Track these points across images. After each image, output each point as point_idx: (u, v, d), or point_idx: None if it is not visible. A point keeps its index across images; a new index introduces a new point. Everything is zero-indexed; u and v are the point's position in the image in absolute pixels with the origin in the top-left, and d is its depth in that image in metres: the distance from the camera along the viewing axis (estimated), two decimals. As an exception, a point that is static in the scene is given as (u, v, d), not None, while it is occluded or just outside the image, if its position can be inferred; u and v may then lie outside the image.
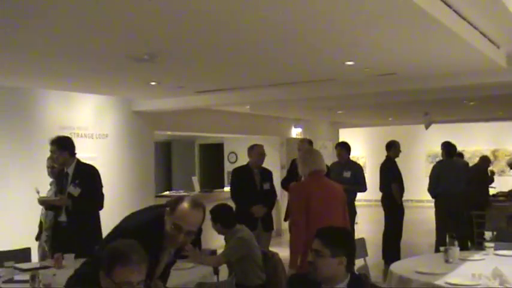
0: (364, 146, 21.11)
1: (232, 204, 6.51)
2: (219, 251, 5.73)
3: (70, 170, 6.15)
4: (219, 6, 4.25)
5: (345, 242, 3.31)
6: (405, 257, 7.92)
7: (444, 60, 6.64)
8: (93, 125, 9.38)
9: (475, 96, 10.85)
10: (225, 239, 5.59)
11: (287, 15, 4.53)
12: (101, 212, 6.30)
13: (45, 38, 5.28)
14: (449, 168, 9.54)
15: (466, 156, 16.83)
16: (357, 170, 8.72)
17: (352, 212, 8.27)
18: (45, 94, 8.56)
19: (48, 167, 6.66)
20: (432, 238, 9.87)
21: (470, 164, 11.72)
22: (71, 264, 5.21)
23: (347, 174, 8.30)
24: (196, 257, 5.11)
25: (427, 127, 14.67)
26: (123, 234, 3.17)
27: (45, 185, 6.67)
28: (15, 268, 5.09)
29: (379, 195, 9.85)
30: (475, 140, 19.54)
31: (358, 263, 5.96)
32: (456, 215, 9.34)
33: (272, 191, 7.81)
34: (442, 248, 5.52)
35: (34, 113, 8.42)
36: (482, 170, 11.61)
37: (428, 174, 9.85)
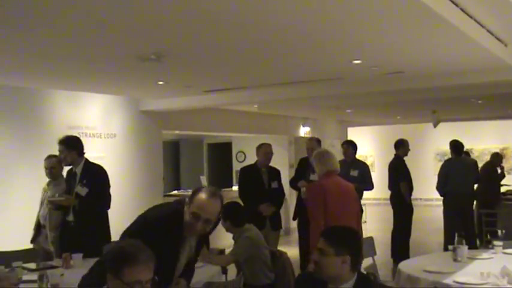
0: (372, 145, 21.07)
1: (240, 202, 6.52)
2: (227, 251, 5.73)
3: (78, 170, 6.17)
4: (226, 6, 4.26)
5: (349, 241, 3.31)
6: (414, 255, 7.90)
7: (451, 58, 6.62)
8: (101, 125, 9.41)
9: (482, 94, 10.83)
10: (233, 238, 5.60)
11: (294, 14, 4.54)
12: (109, 212, 6.32)
13: (54, 39, 5.30)
14: (458, 166, 9.51)
15: (474, 155, 16.83)
16: (364, 169, 8.70)
17: (359, 212, 8.26)
18: (53, 94, 8.59)
19: (46, 168, 6.63)
20: (441, 236, 9.84)
21: (483, 162, 11.68)
22: (79, 264, 5.22)
23: (354, 173, 8.28)
24: (205, 257, 5.11)
25: (435, 125, 14.62)
26: (146, 224, 3.44)
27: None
28: (23, 268, 5.10)
29: (387, 193, 9.84)
30: (483, 138, 19.46)
31: (367, 261, 5.97)
32: (464, 214, 9.32)
33: (280, 190, 7.82)
34: (450, 247, 5.50)
35: (42, 113, 8.45)
36: (492, 167, 11.56)
37: (437, 173, 9.83)
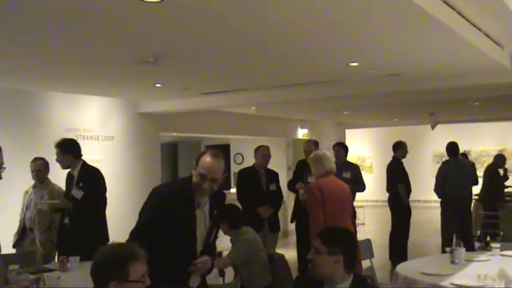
0: (370, 147, 21.09)
1: (238, 205, 6.52)
2: (225, 253, 5.73)
3: (76, 173, 6.17)
4: (223, 8, 4.26)
5: (343, 241, 3.34)
6: (412, 257, 7.92)
7: (448, 61, 6.64)
8: (99, 127, 9.41)
9: (479, 96, 10.84)
10: (230, 240, 5.60)
11: (291, 17, 4.54)
12: (107, 214, 6.31)
13: (52, 41, 5.31)
14: (455, 168, 9.52)
15: (472, 156, 16.85)
16: (356, 170, 8.73)
17: (352, 212, 8.29)
18: (51, 96, 8.59)
19: (32, 170, 6.55)
20: (439, 238, 9.85)
21: (481, 164, 11.68)
22: (75, 267, 5.21)
23: (347, 174, 8.27)
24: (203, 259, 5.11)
25: (433, 127, 14.63)
26: (159, 195, 3.73)
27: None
28: (20, 271, 5.08)
29: (386, 195, 9.85)
30: (481, 140, 19.50)
31: (365, 264, 5.99)
32: (462, 216, 9.32)
33: (278, 192, 7.83)
34: (447, 249, 5.51)
35: (40, 115, 8.45)
36: (494, 169, 11.55)
37: (435, 175, 9.84)
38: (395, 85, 8.20)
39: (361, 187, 8.55)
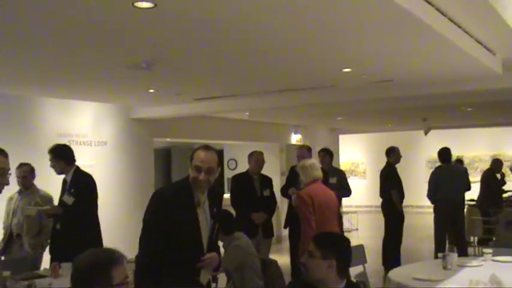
0: (363, 152, 21.12)
1: (232, 211, 6.52)
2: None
3: (68, 178, 6.15)
4: (216, 15, 4.27)
5: (336, 246, 3.36)
6: (405, 262, 7.92)
7: (440, 67, 6.66)
8: (92, 133, 9.39)
9: (472, 102, 10.87)
10: (223, 246, 5.59)
11: (284, 23, 4.56)
12: (100, 220, 6.29)
13: (44, 47, 5.31)
14: (448, 174, 9.52)
15: (465, 162, 16.85)
16: (342, 176, 8.74)
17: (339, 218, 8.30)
18: (44, 102, 8.58)
19: (18, 177, 6.47)
20: (432, 244, 9.86)
21: (474, 169, 11.68)
22: (67, 273, 5.18)
23: (333, 180, 8.27)
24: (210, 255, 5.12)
25: (426, 133, 14.68)
26: (159, 196, 3.78)
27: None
28: (12, 277, 5.05)
29: (379, 201, 9.85)
30: (474, 146, 19.57)
31: (357, 270, 5.99)
32: (454, 221, 9.33)
33: (272, 198, 7.82)
34: (440, 255, 5.52)
35: (32, 121, 8.44)
36: (492, 174, 11.55)
37: (427, 180, 9.84)
38: (388, 91, 8.23)
39: (347, 192, 8.60)
